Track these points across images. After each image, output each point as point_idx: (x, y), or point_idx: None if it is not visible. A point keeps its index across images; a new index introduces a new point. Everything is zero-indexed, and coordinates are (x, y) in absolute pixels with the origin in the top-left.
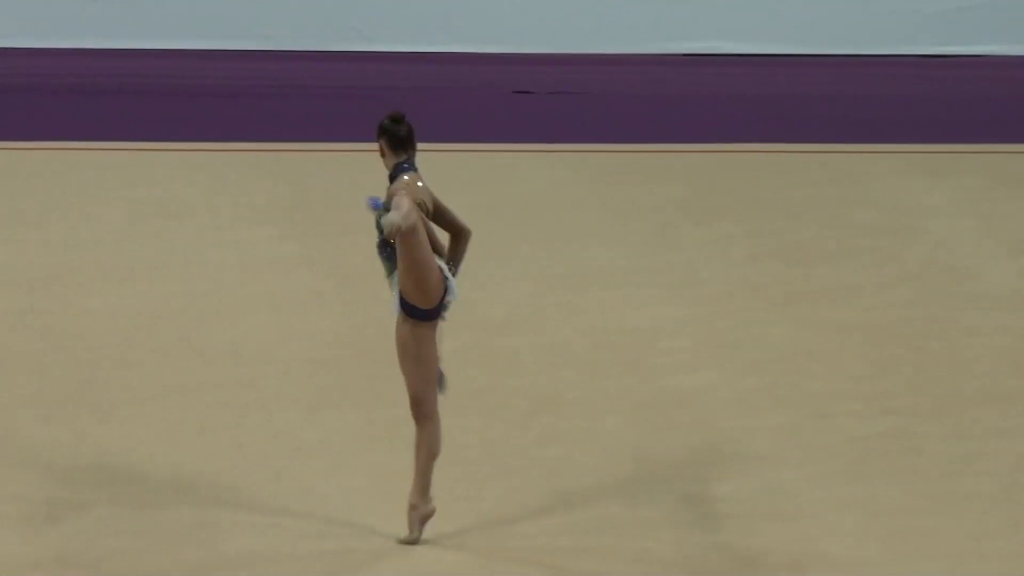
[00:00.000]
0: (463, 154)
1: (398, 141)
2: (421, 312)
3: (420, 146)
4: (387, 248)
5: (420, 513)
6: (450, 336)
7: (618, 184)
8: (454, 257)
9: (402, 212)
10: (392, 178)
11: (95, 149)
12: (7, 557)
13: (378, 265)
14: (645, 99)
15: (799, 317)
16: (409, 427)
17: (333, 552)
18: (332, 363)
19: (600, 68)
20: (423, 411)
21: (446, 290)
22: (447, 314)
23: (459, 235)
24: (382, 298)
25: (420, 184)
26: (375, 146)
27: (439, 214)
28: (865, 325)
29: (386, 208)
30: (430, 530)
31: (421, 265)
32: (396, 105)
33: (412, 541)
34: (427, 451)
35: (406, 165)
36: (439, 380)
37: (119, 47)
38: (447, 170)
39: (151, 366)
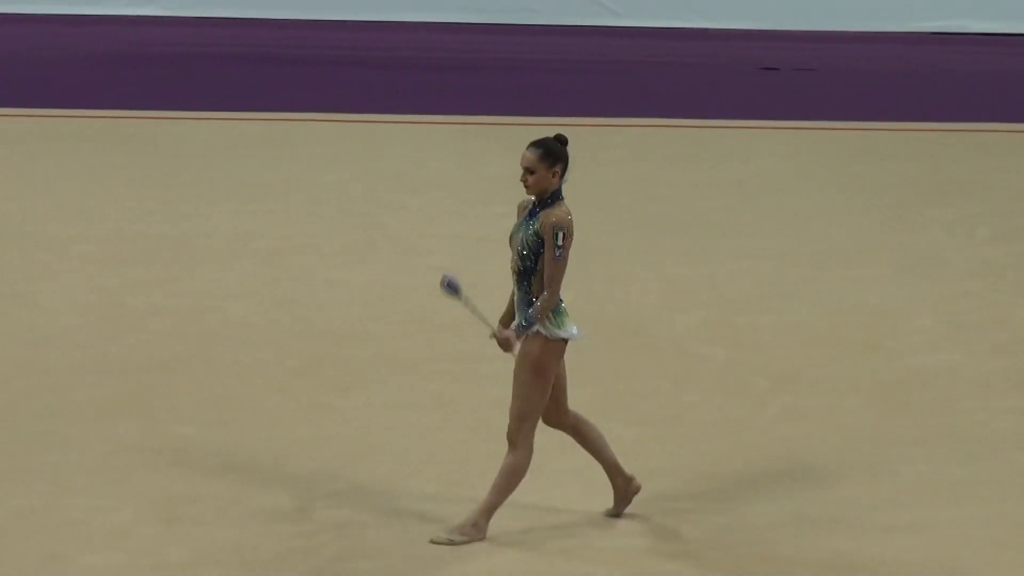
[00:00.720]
0: (706, 131)
1: (568, 165)
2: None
3: (663, 122)
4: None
5: (471, 531)
6: (689, 313)
7: (858, 163)
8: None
9: (512, 343)
10: (545, 203)
11: (337, 121)
12: (274, 517)
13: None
14: (888, 77)
15: None
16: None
17: (567, 526)
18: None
19: (845, 46)
20: (523, 434)
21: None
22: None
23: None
24: (619, 275)
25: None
26: (606, 121)
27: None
28: None
29: (534, 231)
30: (669, 504)
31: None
32: (642, 80)
33: (445, 542)
34: (510, 477)
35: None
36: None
37: (368, 19)
38: (689, 146)
39: (390, 339)
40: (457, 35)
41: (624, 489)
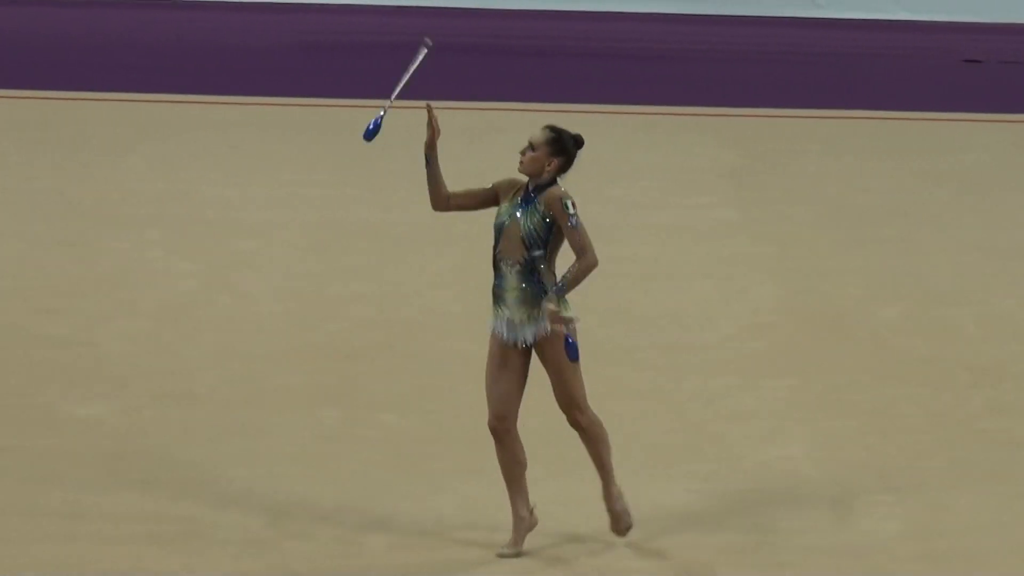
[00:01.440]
0: (909, 123)
1: (569, 166)
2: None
3: (865, 114)
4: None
5: (617, 511)
6: (891, 305)
7: None
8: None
9: (561, 318)
10: (542, 187)
11: (544, 111)
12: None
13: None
14: None
15: None
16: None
17: (762, 513)
18: (770, 329)
19: None
20: (585, 415)
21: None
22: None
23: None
24: (822, 267)
25: None
26: (807, 112)
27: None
28: None
29: (537, 207)
30: (869, 497)
31: None
32: (844, 72)
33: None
34: (601, 444)
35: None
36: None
37: (576, 10)
38: (892, 139)
39: (591, 329)
40: (661, 26)
41: (528, 520)
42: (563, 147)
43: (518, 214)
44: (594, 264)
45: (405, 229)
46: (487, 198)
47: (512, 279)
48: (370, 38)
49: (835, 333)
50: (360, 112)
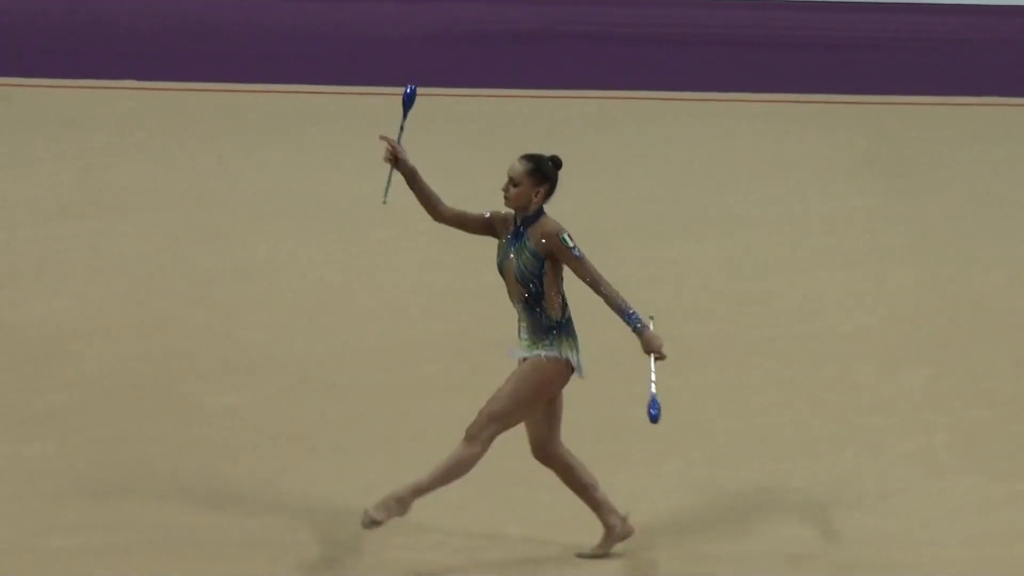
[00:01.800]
0: None
1: (554, 191)
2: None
3: (999, 100)
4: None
5: (395, 506)
6: None
7: None
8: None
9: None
10: (528, 219)
11: (683, 100)
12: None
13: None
14: None
15: None
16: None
17: (901, 503)
18: (910, 319)
19: None
20: (486, 433)
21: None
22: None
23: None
24: (962, 256)
25: None
26: (947, 100)
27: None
28: None
29: (524, 248)
30: (1011, 487)
31: None
32: (970, 58)
33: (368, 523)
34: (453, 467)
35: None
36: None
37: None
38: None
39: (724, 318)
40: (781, 12)
41: (619, 528)
42: (545, 174)
43: (511, 255)
44: (612, 287)
45: None
46: (483, 226)
47: (520, 313)
48: (501, 27)
49: (975, 322)
50: (495, 102)
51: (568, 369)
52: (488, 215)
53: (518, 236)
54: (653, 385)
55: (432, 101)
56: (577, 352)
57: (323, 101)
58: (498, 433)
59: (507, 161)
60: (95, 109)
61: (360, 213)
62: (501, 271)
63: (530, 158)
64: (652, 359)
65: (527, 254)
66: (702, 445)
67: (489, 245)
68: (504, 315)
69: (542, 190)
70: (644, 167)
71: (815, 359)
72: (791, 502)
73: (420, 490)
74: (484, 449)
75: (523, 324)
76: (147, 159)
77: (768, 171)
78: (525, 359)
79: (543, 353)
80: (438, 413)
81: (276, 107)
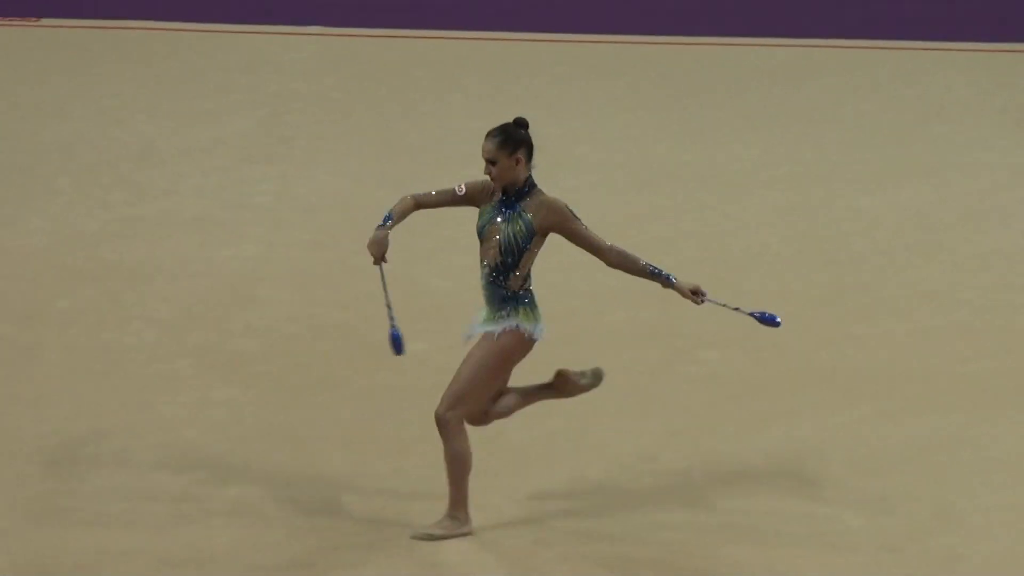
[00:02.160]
0: None
1: (533, 150)
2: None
3: None
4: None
5: (449, 525)
6: None
7: None
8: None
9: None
10: (522, 193)
11: (868, 48)
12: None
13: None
14: None
15: None
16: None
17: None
18: None
19: None
20: (457, 418)
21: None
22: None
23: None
24: None
25: None
26: None
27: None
28: None
29: (528, 223)
30: None
31: None
32: None
33: (424, 537)
34: (459, 465)
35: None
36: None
37: None
38: None
39: (909, 267)
40: None
41: (569, 382)
42: (515, 139)
43: (499, 219)
44: (624, 249)
45: (722, 169)
46: (463, 200)
47: (483, 279)
48: None
49: None
50: (676, 49)
51: (528, 340)
52: (463, 191)
53: (511, 206)
54: (732, 309)
55: (607, 48)
56: (536, 321)
57: (511, 48)
58: (467, 414)
59: (683, 106)
60: (281, 56)
61: (546, 160)
62: (481, 234)
63: (495, 132)
64: (705, 298)
65: (521, 224)
66: (892, 391)
67: (683, 193)
68: (695, 262)
69: (520, 155)
70: (829, 117)
71: (1005, 308)
72: (1002, 451)
73: (459, 500)
74: (462, 433)
75: (484, 294)
76: (329, 105)
77: (953, 117)
78: (484, 334)
79: (501, 327)
80: (626, 360)
81: (463, 53)
